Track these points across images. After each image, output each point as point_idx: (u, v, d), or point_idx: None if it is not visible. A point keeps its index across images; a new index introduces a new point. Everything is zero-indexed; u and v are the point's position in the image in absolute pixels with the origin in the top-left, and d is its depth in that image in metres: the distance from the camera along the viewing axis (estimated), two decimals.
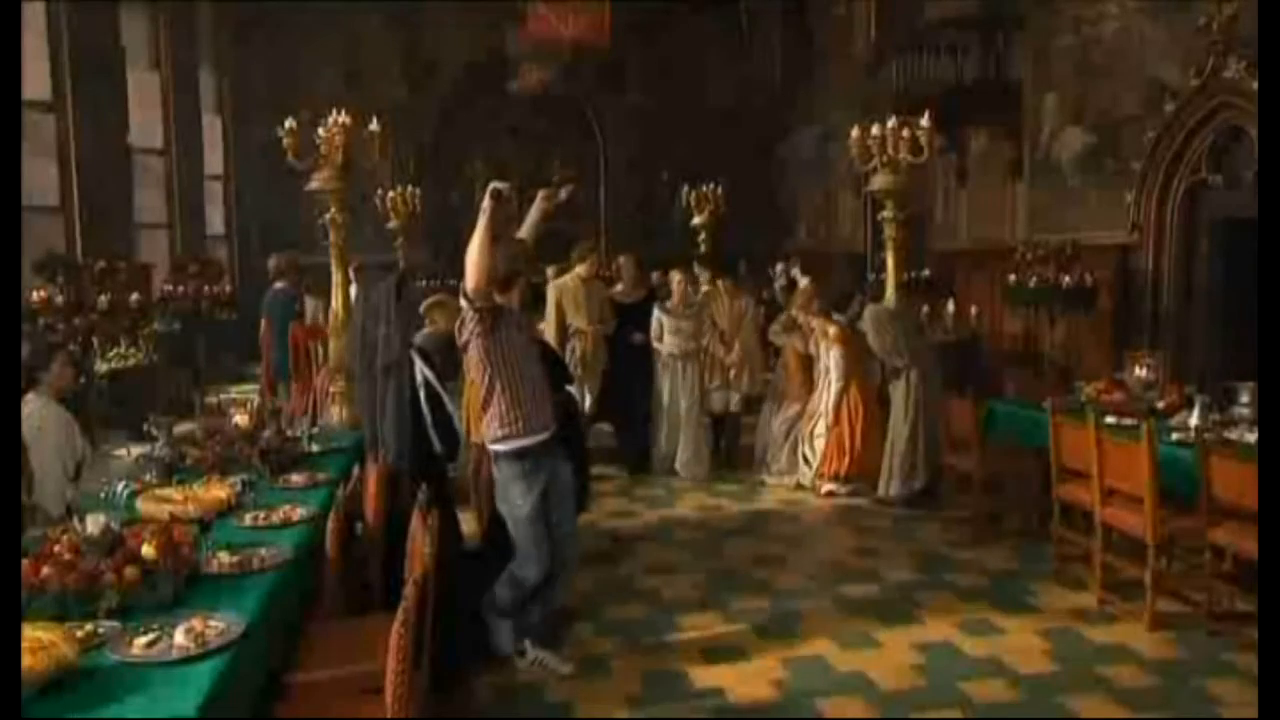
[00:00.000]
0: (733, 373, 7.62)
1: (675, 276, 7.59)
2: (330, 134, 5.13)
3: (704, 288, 7.82)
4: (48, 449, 4.10)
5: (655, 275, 9.04)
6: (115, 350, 8.63)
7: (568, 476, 4.09)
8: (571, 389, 6.03)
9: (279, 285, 7.33)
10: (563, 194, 4.24)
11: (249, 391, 7.27)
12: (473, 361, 3.86)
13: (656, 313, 7.41)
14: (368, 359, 4.33)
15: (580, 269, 7.51)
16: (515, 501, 3.89)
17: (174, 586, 2.50)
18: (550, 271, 8.32)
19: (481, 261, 3.62)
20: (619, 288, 7.91)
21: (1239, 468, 3.87)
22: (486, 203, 3.60)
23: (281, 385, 6.74)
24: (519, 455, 3.85)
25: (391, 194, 10.53)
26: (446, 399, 4.42)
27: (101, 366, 8.24)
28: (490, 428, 3.87)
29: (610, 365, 7.47)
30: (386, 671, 2.30)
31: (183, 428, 4.49)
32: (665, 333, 7.37)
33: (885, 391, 7.00)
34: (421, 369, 4.33)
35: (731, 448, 7.84)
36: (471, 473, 5.08)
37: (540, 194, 4.21)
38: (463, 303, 3.73)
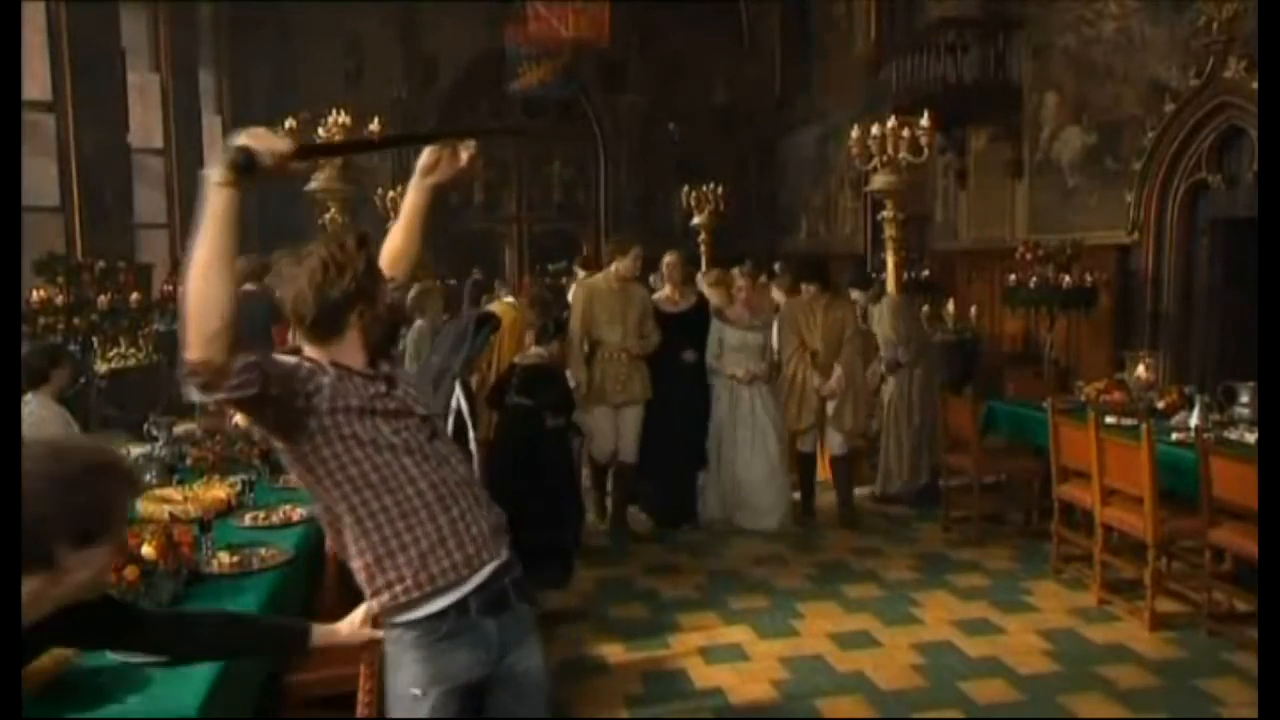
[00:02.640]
0: (830, 406, 6.03)
1: (737, 277, 6.13)
2: (330, 134, 5.14)
3: (777, 295, 6.45)
4: None
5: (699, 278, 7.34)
6: (115, 350, 8.63)
7: (532, 663, 2.13)
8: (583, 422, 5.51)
9: (248, 287, 7.37)
10: (464, 156, 2.26)
11: None
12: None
13: (716, 324, 5.95)
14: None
15: (618, 265, 5.83)
16: (403, 707, 1.99)
17: (174, 586, 2.50)
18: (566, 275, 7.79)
19: (209, 297, 1.66)
20: (664, 293, 6.12)
21: (1239, 468, 3.86)
22: (217, 176, 1.67)
23: None
24: (413, 629, 1.96)
25: (391, 194, 10.52)
26: (471, 433, 4.04)
27: (101, 366, 8.24)
28: (359, 576, 1.99)
29: (654, 393, 5.85)
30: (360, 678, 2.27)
31: (183, 428, 4.48)
32: (726, 349, 5.91)
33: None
34: (458, 394, 4.02)
35: (835, 498, 6.21)
36: None
37: (423, 157, 2.25)
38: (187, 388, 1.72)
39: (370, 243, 2.05)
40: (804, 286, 6.18)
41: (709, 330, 6.00)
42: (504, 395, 4.94)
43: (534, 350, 4.98)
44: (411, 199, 2.29)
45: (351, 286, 1.93)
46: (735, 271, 6.24)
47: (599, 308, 5.79)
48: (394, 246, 2.26)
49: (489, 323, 4.16)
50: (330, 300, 1.92)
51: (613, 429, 5.83)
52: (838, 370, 5.95)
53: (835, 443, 6.08)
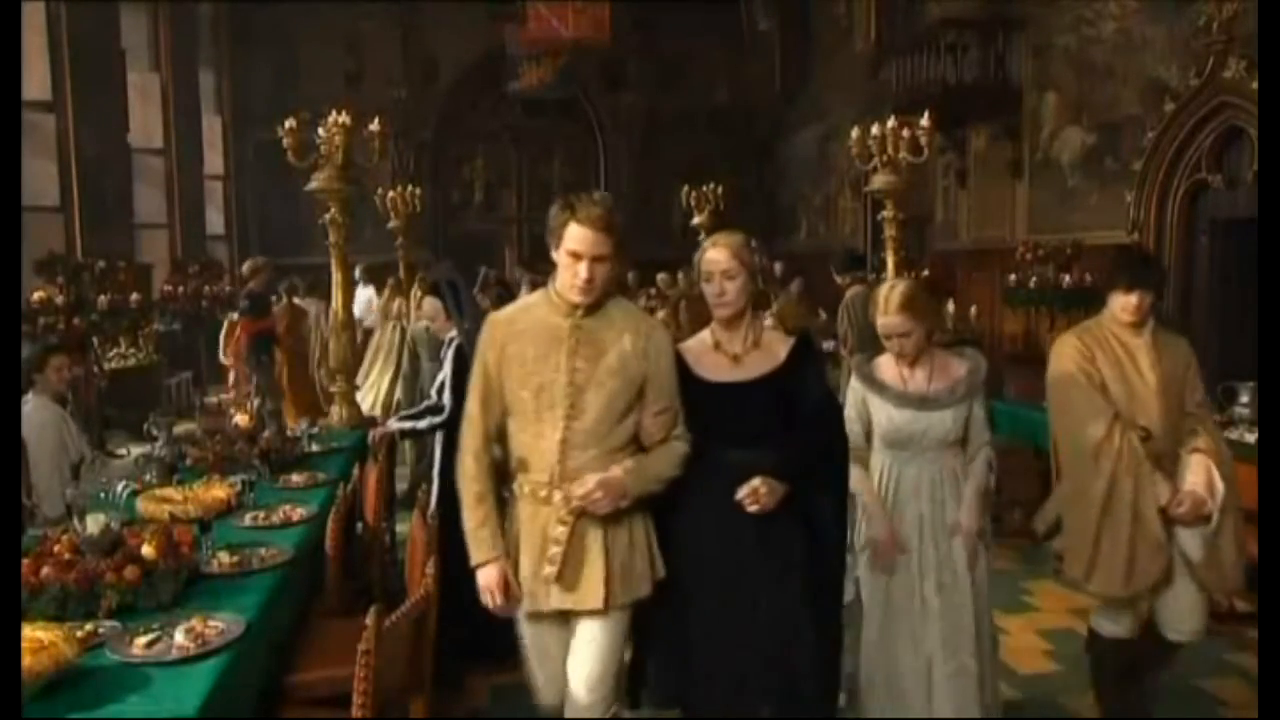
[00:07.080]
0: (1191, 544, 3.06)
1: (883, 291, 3.14)
2: (330, 134, 5.12)
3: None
4: (46, 448, 4.10)
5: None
6: (115, 350, 8.64)
7: None
8: None
9: (251, 286, 7.70)
10: None
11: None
12: None
13: (858, 391, 3.10)
14: None
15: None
16: None
17: (174, 586, 2.50)
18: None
19: None
20: (700, 340, 2.73)
21: (1239, 468, 3.85)
22: None
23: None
24: None
25: (391, 194, 10.51)
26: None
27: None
28: None
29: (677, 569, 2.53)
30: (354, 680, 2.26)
31: (183, 428, 4.49)
32: (882, 445, 3.05)
33: None
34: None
35: None
36: None
37: None
38: None
39: None
40: (1118, 296, 3.04)
41: (822, 418, 2.66)
42: None
43: None
44: None
45: None
46: (887, 282, 3.21)
47: (518, 376, 2.47)
48: None
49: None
50: None
51: (560, 654, 2.52)
52: (1197, 463, 3.02)
53: (1192, 619, 3.07)
